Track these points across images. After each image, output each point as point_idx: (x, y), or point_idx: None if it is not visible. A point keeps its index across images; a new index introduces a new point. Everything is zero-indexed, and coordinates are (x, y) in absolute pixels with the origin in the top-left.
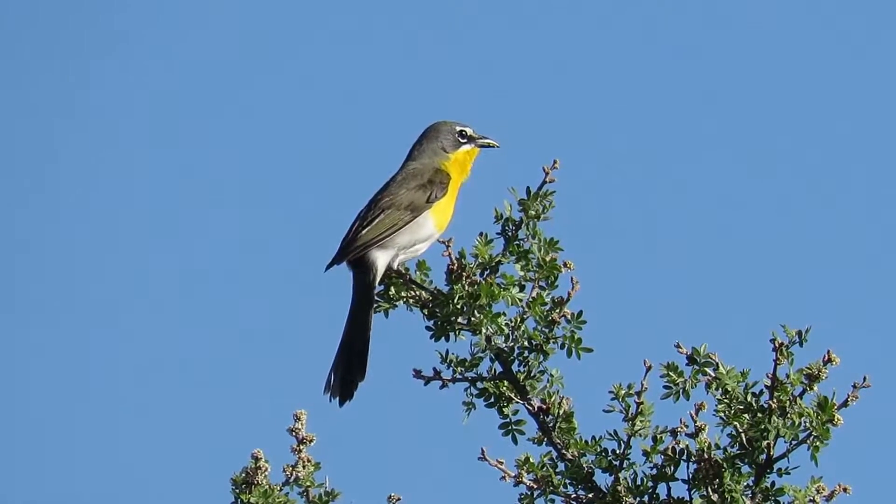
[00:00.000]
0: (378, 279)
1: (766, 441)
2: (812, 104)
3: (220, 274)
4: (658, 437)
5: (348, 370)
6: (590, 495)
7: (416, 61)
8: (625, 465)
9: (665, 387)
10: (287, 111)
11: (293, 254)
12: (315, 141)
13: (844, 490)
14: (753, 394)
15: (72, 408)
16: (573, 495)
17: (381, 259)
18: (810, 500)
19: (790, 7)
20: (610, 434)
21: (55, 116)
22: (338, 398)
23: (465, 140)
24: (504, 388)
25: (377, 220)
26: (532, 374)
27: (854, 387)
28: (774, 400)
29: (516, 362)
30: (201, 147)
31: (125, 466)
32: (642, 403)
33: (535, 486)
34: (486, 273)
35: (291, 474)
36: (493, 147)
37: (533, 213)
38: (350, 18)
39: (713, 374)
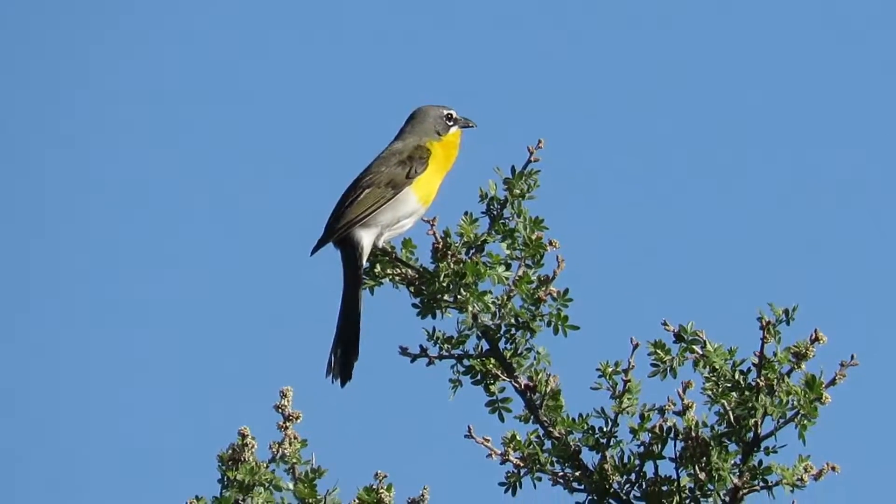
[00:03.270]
0: (364, 258)
1: (754, 419)
2: (802, 81)
3: (211, 254)
4: (645, 414)
5: (345, 351)
6: (577, 473)
7: (395, 42)
8: (612, 444)
9: (652, 364)
10: (271, 100)
11: (285, 235)
12: (297, 128)
13: (832, 469)
14: (741, 372)
15: (58, 385)
16: (560, 473)
17: (366, 238)
18: (798, 479)
19: None
20: (597, 412)
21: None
22: (339, 380)
23: (451, 123)
24: (491, 366)
25: (359, 199)
26: (519, 352)
27: (842, 365)
28: (762, 378)
29: (503, 340)
30: (195, 133)
31: (113, 443)
32: (629, 381)
33: (522, 464)
34: (471, 252)
35: (278, 451)
36: (471, 127)
37: (518, 192)
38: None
39: (700, 352)
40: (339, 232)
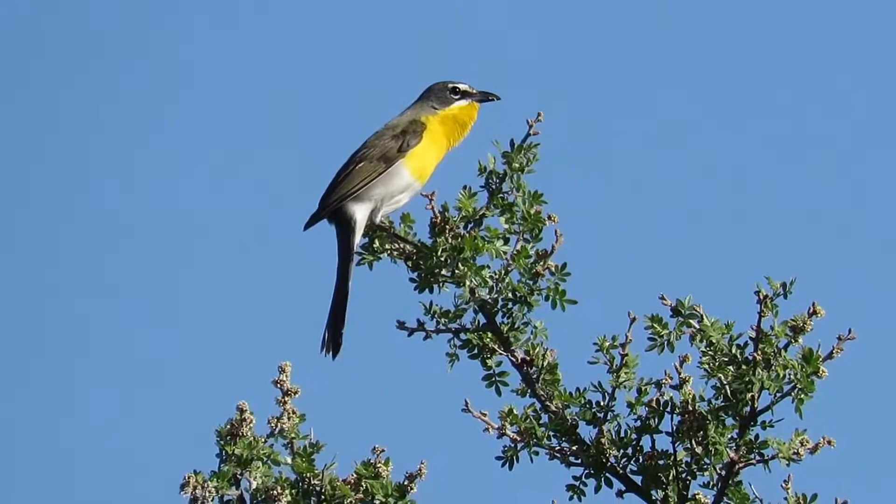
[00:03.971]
0: (357, 232)
1: (751, 393)
2: (798, 50)
3: (208, 230)
4: (642, 389)
5: (335, 323)
6: (573, 447)
7: (399, 14)
8: (609, 418)
9: (649, 339)
10: (271, 74)
11: (281, 211)
12: (294, 103)
13: (829, 443)
14: (738, 346)
15: (57, 359)
16: (557, 447)
17: (360, 212)
18: (794, 453)
19: None
20: (594, 386)
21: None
22: (331, 353)
23: (457, 96)
24: (488, 340)
25: (351, 173)
26: (516, 326)
27: (839, 339)
28: (759, 352)
29: (500, 314)
30: (193, 107)
31: (111, 418)
32: (627, 355)
33: (519, 439)
34: (469, 226)
35: (276, 426)
36: (492, 100)
37: (517, 165)
38: None
39: (698, 326)
40: (331, 205)
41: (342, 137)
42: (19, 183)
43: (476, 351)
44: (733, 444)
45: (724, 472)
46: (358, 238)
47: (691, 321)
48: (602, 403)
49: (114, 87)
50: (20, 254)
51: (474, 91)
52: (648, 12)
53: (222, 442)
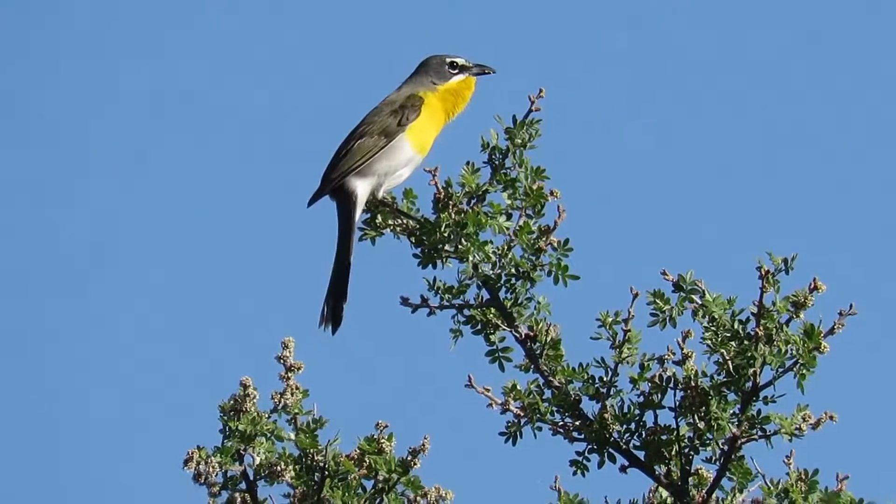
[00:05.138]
0: (359, 207)
1: (753, 369)
2: (796, 29)
3: (212, 204)
4: (645, 364)
5: (335, 298)
6: (577, 423)
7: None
8: (612, 393)
9: (652, 314)
10: (274, 53)
11: (284, 188)
12: (296, 80)
13: (831, 418)
14: (740, 321)
15: (59, 334)
16: (560, 423)
17: (361, 187)
18: (796, 428)
19: None
20: (597, 361)
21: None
22: (330, 327)
23: (455, 70)
24: (491, 316)
25: (352, 149)
26: (519, 302)
27: (840, 314)
28: (761, 327)
29: (503, 289)
30: (196, 87)
31: (115, 394)
32: (629, 331)
33: (522, 414)
34: (472, 202)
35: (279, 401)
36: (488, 73)
37: (519, 141)
38: None
39: (700, 302)
40: (334, 181)
41: (343, 114)
42: (17, 183)
43: (479, 326)
44: (735, 420)
45: (726, 448)
46: (359, 213)
47: (693, 297)
48: (605, 379)
49: (113, 68)
50: (18, 245)
51: (471, 65)
52: None
53: (226, 417)
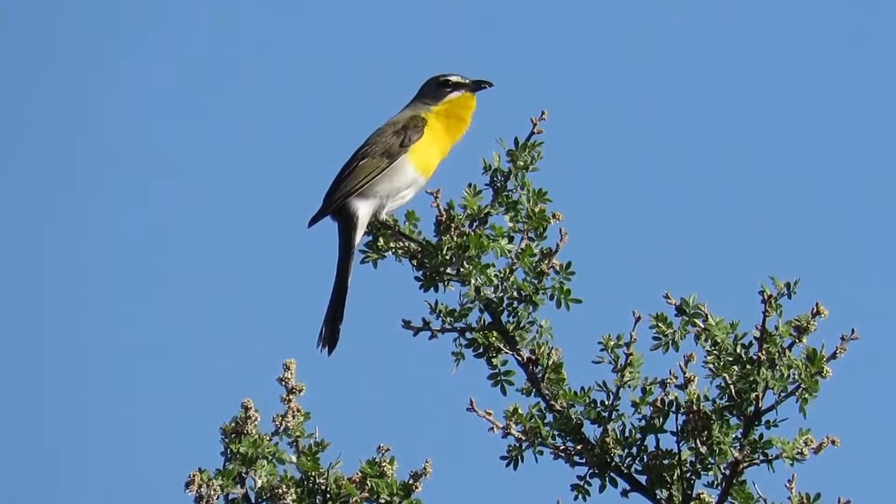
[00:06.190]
0: (359, 228)
1: (755, 393)
2: (803, 57)
3: (213, 224)
4: (647, 388)
5: (333, 320)
6: (578, 447)
7: (398, 10)
8: (613, 417)
9: (654, 338)
10: (273, 73)
11: (286, 208)
12: (299, 101)
13: (833, 442)
14: (743, 345)
15: (61, 353)
16: (562, 447)
17: (363, 208)
18: (798, 453)
19: None
20: (599, 385)
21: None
22: (327, 349)
23: (449, 89)
24: (493, 339)
25: (355, 170)
26: (521, 325)
27: (843, 339)
28: (763, 352)
29: (505, 313)
30: (198, 104)
31: (115, 415)
32: (631, 354)
33: (524, 438)
34: (474, 224)
35: (281, 424)
36: (485, 87)
37: (521, 163)
38: None
39: (702, 326)
40: (336, 202)
41: (346, 134)
42: (15, 183)
43: (481, 350)
44: (737, 444)
45: (728, 472)
46: (359, 235)
47: (696, 320)
48: (607, 403)
49: (120, 79)
50: (18, 249)
51: (467, 81)
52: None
53: (227, 440)
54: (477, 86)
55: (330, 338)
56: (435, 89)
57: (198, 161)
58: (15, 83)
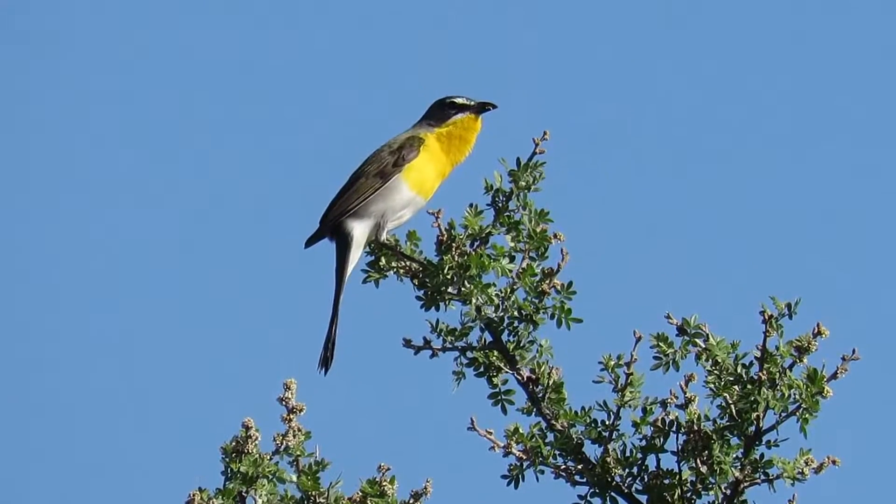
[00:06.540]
0: (354, 248)
1: (756, 413)
2: (805, 78)
3: (213, 246)
4: (648, 408)
5: (328, 339)
6: (579, 466)
7: (402, 32)
8: (614, 437)
9: (655, 357)
10: (275, 91)
11: (285, 228)
12: (300, 119)
13: (833, 462)
14: (743, 365)
15: (62, 377)
16: (562, 466)
17: (358, 228)
18: (799, 472)
19: None
20: (599, 405)
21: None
22: (324, 369)
23: (454, 111)
24: (494, 358)
25: (350, 190)
26: (522, 344)
27: (843, 359)
28: (764, 372)
29: (506, 332)
30: (197, 123)
31: (116, 434)
32: (632, 374)
33: (525, 457)
34: (476, 244)
35: (281, 443)
36: (489, 109)
37: (523, 184)
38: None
39: (703, 345)
40: (330, 222)
41: (347, 154)
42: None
43: (482, 369)
44: (738, 464)
45: (728, 492)
46: (354, 255)
47: (697, 340)
48: (607, 422)
49: (115, 106)
50: (17, 265)
51: (472, 103)
52: (659, 23)
53: (227, 459)
54: (481, 108)
55: (324, 358)
56: (440, 111)
57: (197, 179)
58: (14, 83)
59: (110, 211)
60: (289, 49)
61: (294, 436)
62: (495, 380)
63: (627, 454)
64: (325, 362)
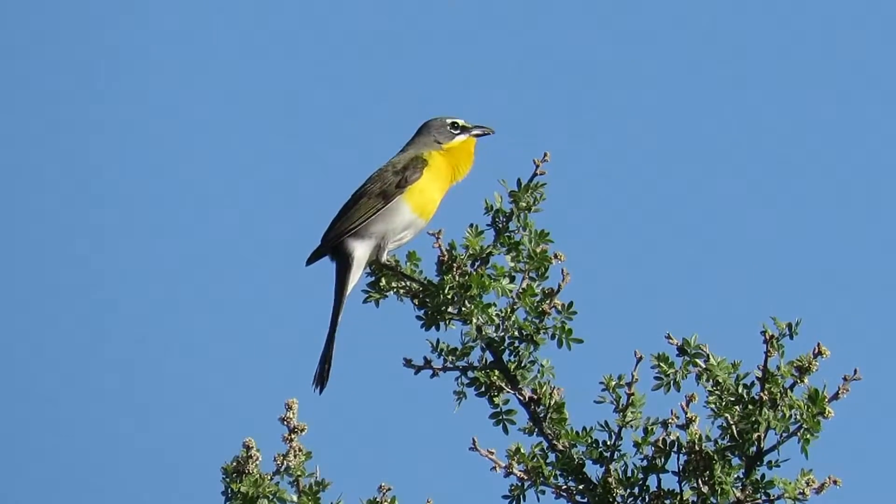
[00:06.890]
0: (354, 269)
1: (757, 433)
2: (803, 91)
3: (214, 263)
4: (649, 428)
5: (323, 359)
6: (580, 486)
7: (400, 52)
8: (615, 457)
9: (656, 378)
10: (277, 108)
11: (287, 247)
12: (302, 136)
13: (835, 483)
14: (744, 385)
15: (62, 393)
16: (564, 486)
17: (359, 249)
18: (800, 493)
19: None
20: (601, 425)
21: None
22: (319, 387)
23: (457, 131)
24: (495, 378)
25: (351, 210)
26: (523, 364)
27: (845, 379)
28: (765, 392)
29: (507, 352)
30: (200, 139)
31: (117, 455)
32: (633, 394)
33: (526, 477)
34: (476, 264)
35: (282, 463)
36: (487, 133)
37: (524, 204)
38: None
39: (704, 366)
40: (330, 242)
41: (349, 172)
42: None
43: (483, 389)
44: (739, 484)
45: None
46: (354, 275)
47: (697, 360)
48: (609, 442)
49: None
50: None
51: (470, 126)
52: (658, 38)
53: (228, 479)
54: (481, 131)
55: (320, 376)
56: (443, 129)
57: (198, 197)
58: (14, 83)
59: (110, 216)
60: (290, 59)
61: (295, 456)
62: (496, 400)
63: (629, 474)
64: (321, 380)
